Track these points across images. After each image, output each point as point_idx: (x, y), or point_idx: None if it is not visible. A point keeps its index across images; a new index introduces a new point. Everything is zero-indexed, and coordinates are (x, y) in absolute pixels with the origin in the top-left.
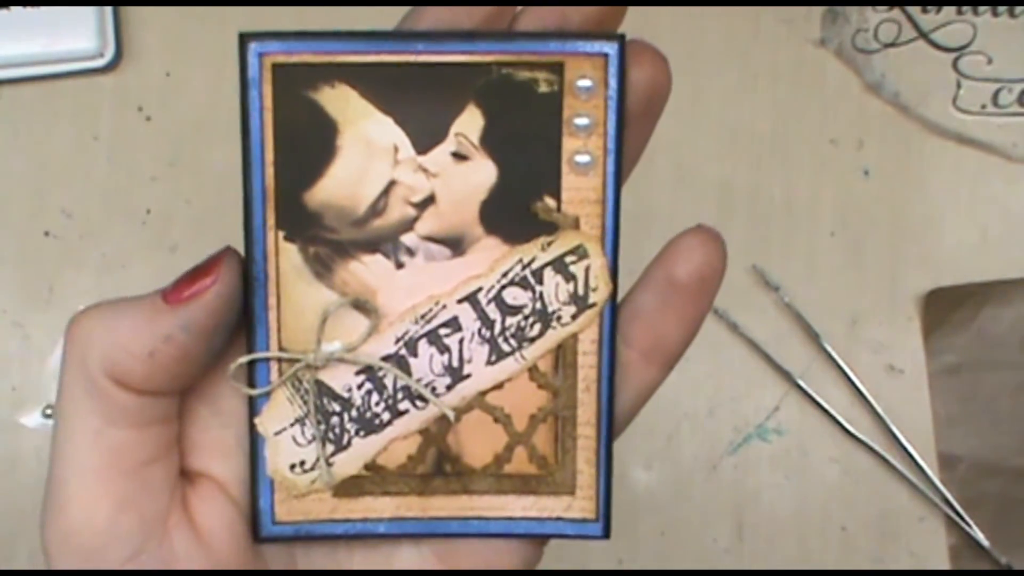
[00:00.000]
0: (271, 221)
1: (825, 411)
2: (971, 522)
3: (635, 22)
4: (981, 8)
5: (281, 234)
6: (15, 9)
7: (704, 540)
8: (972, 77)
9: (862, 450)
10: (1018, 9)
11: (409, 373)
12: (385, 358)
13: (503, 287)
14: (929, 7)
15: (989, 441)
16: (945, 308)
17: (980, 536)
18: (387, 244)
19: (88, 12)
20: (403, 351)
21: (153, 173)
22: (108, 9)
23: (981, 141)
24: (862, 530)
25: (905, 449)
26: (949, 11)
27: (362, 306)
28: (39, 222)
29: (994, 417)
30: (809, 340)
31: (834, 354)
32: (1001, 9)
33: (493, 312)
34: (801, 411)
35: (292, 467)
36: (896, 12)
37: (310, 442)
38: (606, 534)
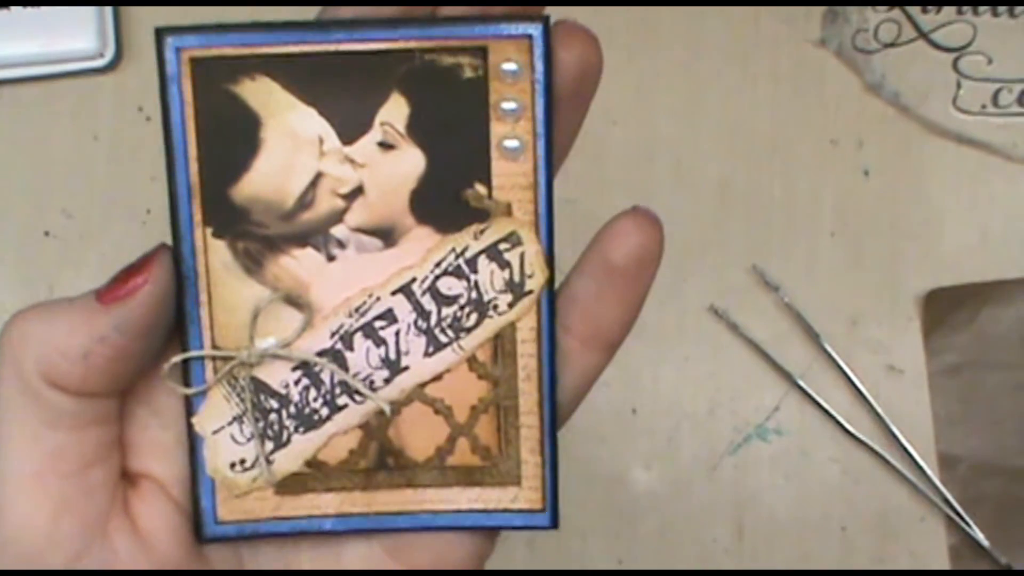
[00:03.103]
0: (198, 217)
1: (825, 411)
2: (971, 522)
3: (635, 22)
4: (981, 8)
5: (209, 230)
6: (15, 9)
7: (704, 540)
8: (972, 77)
9: (862, 450)
10: (1018, 9)
11: (346, 367)
12: (321, 353)
13: (437, 277)
14: (929, 7)
15: (989, 441)
16: (945, 308)
17: (980, 536)
18: (317, 237)
19: (88, 12)
20: (339, 345)
21: (153, 173)
22: (108, 9)
23: (981, 141)
24: (862, 530)
25: (905, 449)
26: (949, 11)
27: (295, 301)
28: (39, 222)
29: (994, 417)
30: (809, 340)
31: (834, 354)
32: (1001, 9)
33: (428, 303)
34: (801, 411)
35: (232, 466)
36: (896, 12)
37: (249, 440)
38: (554, 524)
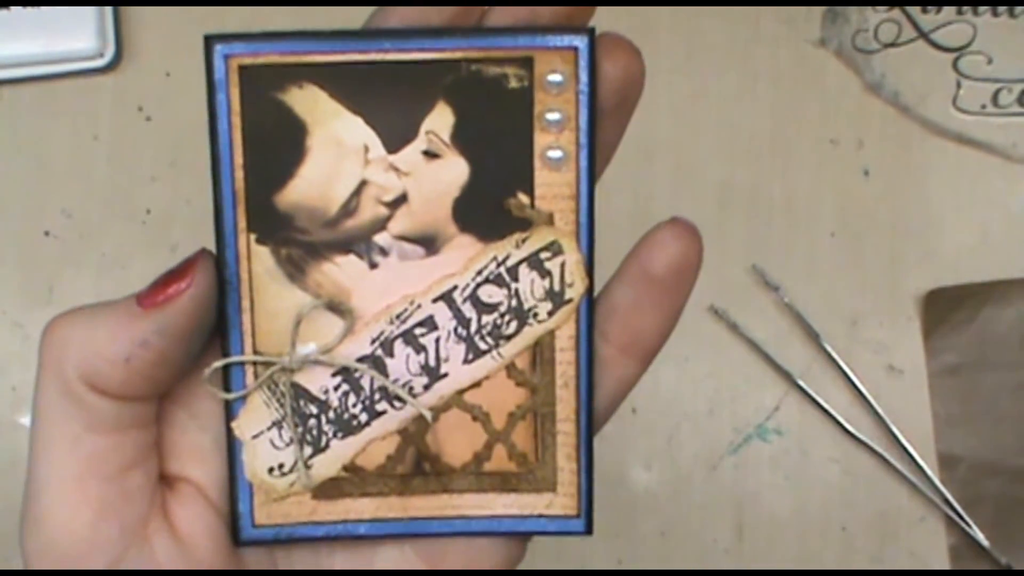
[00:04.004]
0: (242, 224)
1: (825, 411)
2: (971, 522)
3: (635, 22)
4: (981, 8)
5: (253, 237)
6: (15, 9)
7: (704, 540)
8: (972, 77)
9: (862, 450)
10: (1018, 9)
11: (386, 374)
12: (361, 359)
13: (478, 285)
14: (929, 7)
15: (989, 441)
16: (945, 308)
17: (980, 536)
18: (360, 244)
19: (88, 12)
20: (379, 351)
21: (153, 173)
22: (108, 9)
23: (981, 141)
24: (862, 530)
25: (905, 449)
26: (949, 11)
27: (336, 307)
28: (39, 222)
29: (994, 417)
30: (809, 340)
31: (834, 354)
32: (1001, 9)
33: (469, 310)
34: (801, 411)
35: (270, 470)
36: (896, 12)
37: (288, 445)
38: (588, 530)
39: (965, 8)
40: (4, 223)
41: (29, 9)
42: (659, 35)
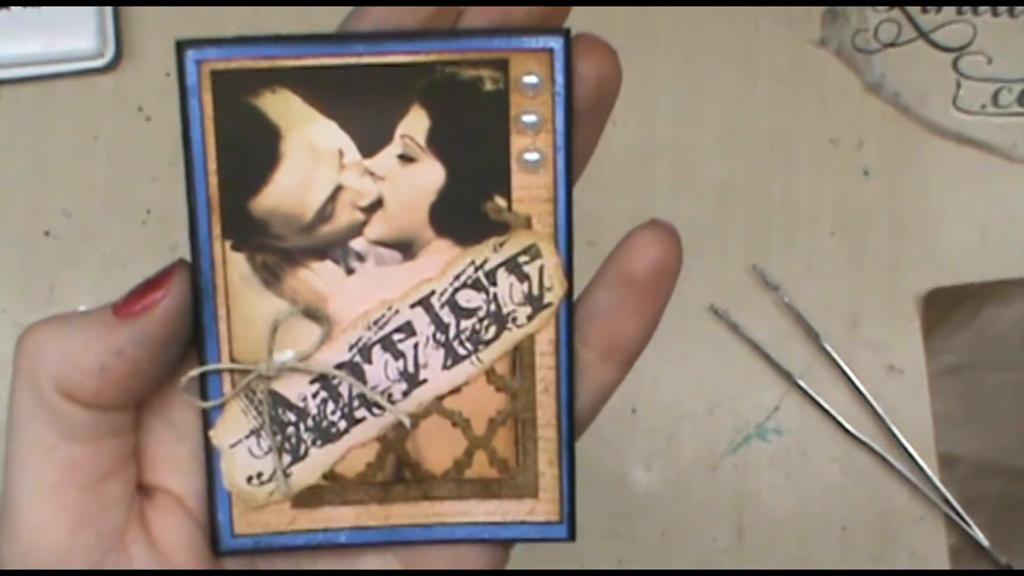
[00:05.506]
0: (217, 231)
1: (825, 411)
2: (971, 522)
3: (635, 22)
4: (981, 8)
5: (228, 243)
6: (15, 9)
7: (704, 540)
8: (972, 77)
9: (862, 450)
10: (1018, 9)
11: (364, 380)
12: (339, 366)
13: (456, 290)
14: (929, 7)
15: (989, 441)
16: (945, 308)
17: (980, 536)
18: (336, 250)
19: (88, 12)
20: (357, 358)
21: (153, 173)
22: (108, 9)
23: (981, 141)
24: (862, 530)
25: (905, 449)
26: (949, 11)
27: (313, 314)
28: (39, 222)
29: (994, 417)
30: (809, 340)
31: (834, 354)
32: (1001, 9)
33: (447, 315)
34: (801, 411)
35: (249, 479)
36: (896, 12)
37: (266, 453)
38: (571, 536)
39: (965, 8)
40: (4, 223)
41: (29, 9)
42: (659, 35)
